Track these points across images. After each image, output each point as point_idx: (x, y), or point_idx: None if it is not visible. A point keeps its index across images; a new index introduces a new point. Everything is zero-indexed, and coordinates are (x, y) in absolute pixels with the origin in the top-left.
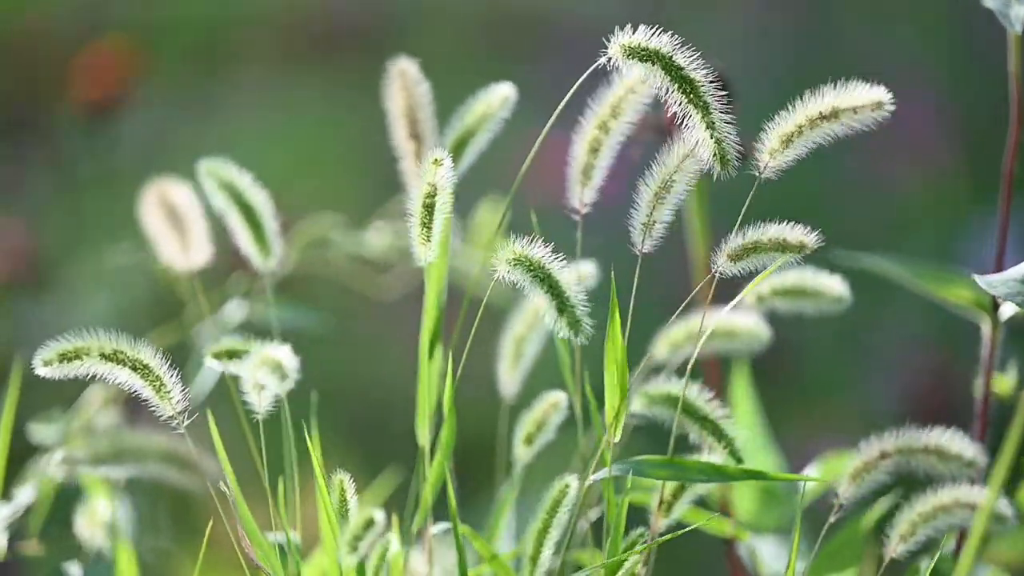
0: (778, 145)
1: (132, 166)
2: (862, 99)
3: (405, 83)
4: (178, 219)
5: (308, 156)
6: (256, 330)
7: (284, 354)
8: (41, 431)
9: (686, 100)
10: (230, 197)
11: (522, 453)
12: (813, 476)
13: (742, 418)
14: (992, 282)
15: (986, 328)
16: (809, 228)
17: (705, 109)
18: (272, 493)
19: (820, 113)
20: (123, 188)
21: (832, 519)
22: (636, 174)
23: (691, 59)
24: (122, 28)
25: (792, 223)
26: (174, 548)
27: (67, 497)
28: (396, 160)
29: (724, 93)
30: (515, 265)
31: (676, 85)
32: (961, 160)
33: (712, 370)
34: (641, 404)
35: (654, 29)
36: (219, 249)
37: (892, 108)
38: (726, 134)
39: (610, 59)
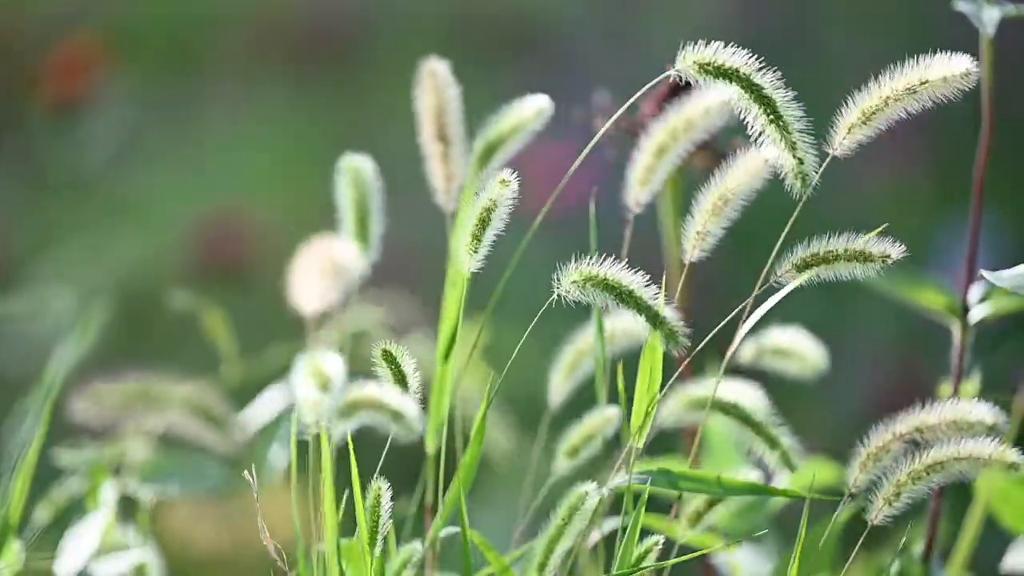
0: (858, 120)
1: (101, 166)
2: (951, 69)
3: (435, 84)
4: (337, 274)
5: (279, 158)
6: None
7: (333, 364)
8: (67, 456)
9: (766, 119)
10: (355, 193)
11: (562, 465)
12: (820, 488)
13: (719, 422)
14: (1002, 277)
15: (956, 331)
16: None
17: (785, 129)
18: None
19: (907, 86)
20: (92, 187)
21: (842, 506)
22: (606, 176)
23: (769, 76)
24: (93, 26)
25: (769, 233)
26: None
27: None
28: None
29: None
30: (588, 286)
31: (757, 105)
32: (936, 165)
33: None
34: (680, 408)
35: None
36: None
37: (977, 76)
38: (808, 153)
39: (680, 74)
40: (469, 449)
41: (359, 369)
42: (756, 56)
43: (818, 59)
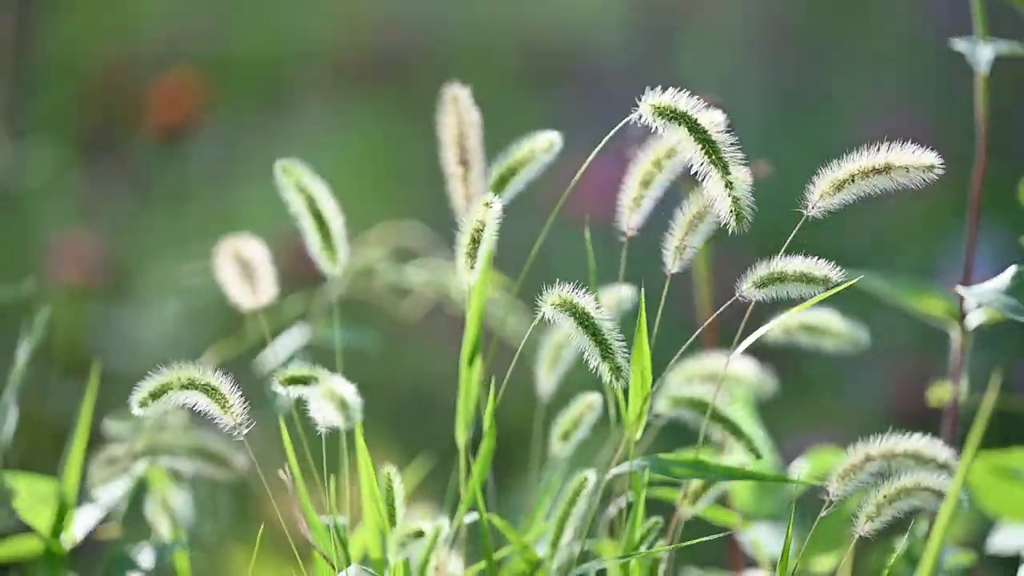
0: (829, 190)
1: (200, 185)
2: (915, 160)
3: (457, 110)
4: (249, 270)
5: (358, 173)
6: (316, 348)
7: (348, 392)
8: (115, 426)
9: (707, 159)
10: (305, 203)
11: (558, 448)
12: (807, 478)
13: (740, 414)
14: (975, 292)
15: (956, 336)
16: (817, 255)
17: (725, 169)
18: (324, 482)
19: (873, 167)
20: (192, 205)
21: (824, 513)
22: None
23: (713, 121)
24: (193, 60)
25: (794, 246)
26: (231, 532)
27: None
28: (439, 178)
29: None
30: (560, 309)
31: (699, 145)
32: (945, 185)
33: None
34: (667, 406)
35: (676, 87)
36: (285, 255)
37: (941, 172)
38: (743, 193)
39: (641, 116)
40: (484, 442)
41: (364, 299)
42: (784, 85)
43: (846, 92)
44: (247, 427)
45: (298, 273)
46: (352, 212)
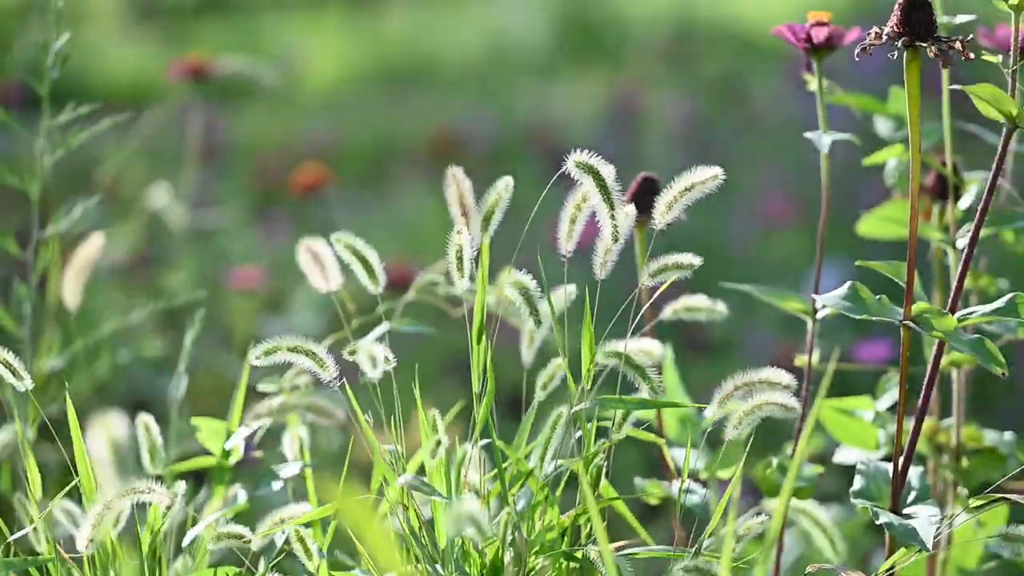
0: (664, 209)
1: (327, 231)
2: (704, 175)
3: (455, 182)
4: (320, 261)
5: (432, 225)
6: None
7: (378, 350)
8: (265, 385)
9: (602, 199)
10: (352, 254)
11: (539, 394)
12: (705, 404)
13: (666, 374)
14: (823, 297)
15: (810, 324)
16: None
17: (611, 206)
18: (388, 423)
19: (684, 187)
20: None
21: (706, 427)
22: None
23: (610, 174)
24: (321, 149)
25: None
26: (337, 460)
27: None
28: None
29: (652, 187)
30: (514, 287)
31: (598, 188)
32: (808, 228)
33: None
34: (603, 357)
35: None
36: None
37: (724, 179)
38: (620, 222)
39: (567, 168)
40: (486, 394)
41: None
42: (696, 159)
43: (744, 171)
44: (340, 381)
45: (394, 286)
46: (427, 245)
